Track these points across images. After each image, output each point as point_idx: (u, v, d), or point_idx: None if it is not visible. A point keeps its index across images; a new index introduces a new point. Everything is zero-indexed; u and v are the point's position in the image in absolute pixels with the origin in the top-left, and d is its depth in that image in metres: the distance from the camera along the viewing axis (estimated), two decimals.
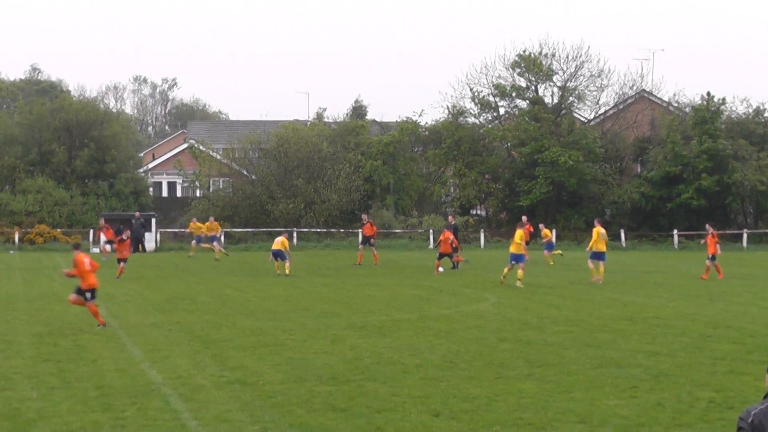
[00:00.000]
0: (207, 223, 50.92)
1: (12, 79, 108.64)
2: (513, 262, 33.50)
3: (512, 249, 33.85)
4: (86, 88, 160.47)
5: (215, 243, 49.80)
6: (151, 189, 72.73)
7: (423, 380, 16.51)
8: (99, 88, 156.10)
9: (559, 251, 47.87)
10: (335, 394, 15.35)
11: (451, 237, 40.82)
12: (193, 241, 51.94)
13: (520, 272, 33.15)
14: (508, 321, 24.47)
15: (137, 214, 57.99)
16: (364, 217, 48.52)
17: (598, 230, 35.74)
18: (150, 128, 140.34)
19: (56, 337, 21.46)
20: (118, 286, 33.78)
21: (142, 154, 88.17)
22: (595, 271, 35.19)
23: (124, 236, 38.51)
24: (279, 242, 39.57)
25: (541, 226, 48.82)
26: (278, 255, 39.20)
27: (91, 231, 58.19)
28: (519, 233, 34.28)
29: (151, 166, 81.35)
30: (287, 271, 38.57)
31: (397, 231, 62.58)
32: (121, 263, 37.14)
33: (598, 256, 35.34)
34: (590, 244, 36.33)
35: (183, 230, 52.49)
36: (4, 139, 64.71)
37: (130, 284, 34.68)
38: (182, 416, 13.97)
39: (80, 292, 23.00)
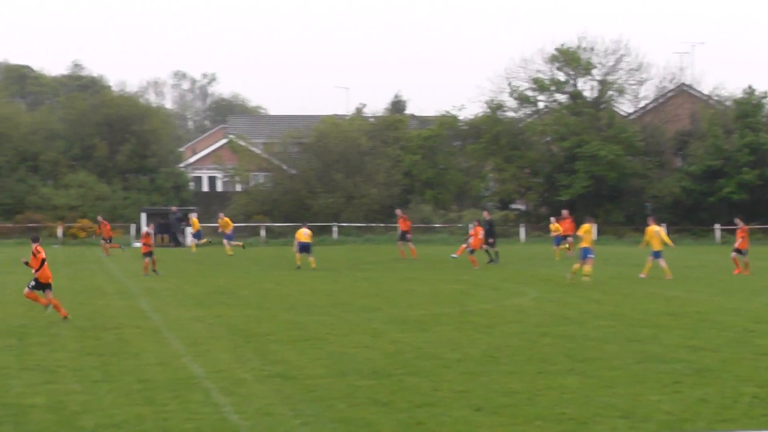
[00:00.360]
0: (219, 220, 50.87)
1: (54, 74, 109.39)
2: (590, 256, 32.89)
3: (584, 244, 33.09)
4: (127, 83, 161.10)
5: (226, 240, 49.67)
6: (191, 184, 73.13)
7: (464, 375, 16.50)
8: (139, 83, 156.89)
9: (566, 245, 46.06)
10: (376, 389, 15.36)
11: (481, 233, 40.59)
12: (194, 238, 52.51)
13: (587, 267, 32.40)
14: (548, 315, 24.39)
15: (174, 208, 58.33)
16: (398, 212, 48.47)
17: (651, 229, 35.21)
18: (190, 123, 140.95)
19: (99, 331, 21.66)
20: (159, 281, 34.03)
21: (182, 149, 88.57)
22: (668, 269, 34.53)
23: (149, 230, 37.90)
24: (307, 234, 39.80)
25: (552, 219, 48.71)
26: (305, 248, 39.27)
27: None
28: (586, 227, 33.29)
29: (191, 160, 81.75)
30: (313, 265, 38.64)
31: (436, 225, 62.51)
32: (146, 258, 35.99)
33: (655, 254, 34.92)
34: (643, 242, 36.06)
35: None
36: (47, 134, 65.35)
37: (170, 279, 34.92)
38: (224, 410, 14.05)
39: (37, 284, 23.38)
